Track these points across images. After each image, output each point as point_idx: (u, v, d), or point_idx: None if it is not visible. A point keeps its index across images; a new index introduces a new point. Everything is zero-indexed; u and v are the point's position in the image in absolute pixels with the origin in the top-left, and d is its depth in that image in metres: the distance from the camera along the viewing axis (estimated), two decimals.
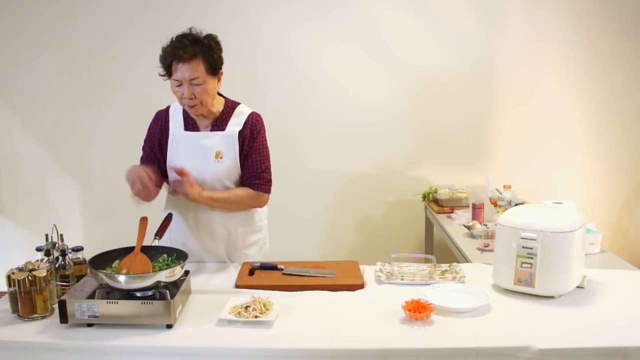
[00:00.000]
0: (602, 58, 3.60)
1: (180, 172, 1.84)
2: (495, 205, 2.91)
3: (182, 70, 1.79)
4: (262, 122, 2.02)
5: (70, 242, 1.74)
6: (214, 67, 1.85)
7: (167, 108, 2.03)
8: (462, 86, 3.62)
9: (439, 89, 3.62)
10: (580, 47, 3.59)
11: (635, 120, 3.68)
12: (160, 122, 2.01)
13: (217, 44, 1.88)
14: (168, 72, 1.84)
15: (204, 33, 1.86)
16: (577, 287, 1.68)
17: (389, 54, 3.58)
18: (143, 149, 2.05)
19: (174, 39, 1.83)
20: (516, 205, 2.30)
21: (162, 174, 1.98)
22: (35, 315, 1.51)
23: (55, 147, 3.70)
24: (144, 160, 2.03)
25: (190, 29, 1.85)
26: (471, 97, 3.64)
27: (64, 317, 1.45)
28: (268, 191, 2.03)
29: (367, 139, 3.67)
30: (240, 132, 1.96)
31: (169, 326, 1.45)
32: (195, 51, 1.79)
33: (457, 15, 3.55)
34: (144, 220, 1.76)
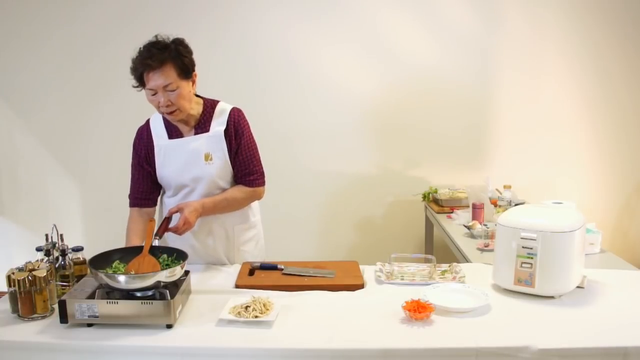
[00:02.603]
0: (602, 57, 3.59)
1: (173, 212, 1.85)
2: (495, 205, 2.91)
3: (155, 79, 1.77)
4: (244, 117, 2.01)
5: (70, 242, 1.74)
6: (186, 71, 1.83)
7: (147, 121, 2.01)
8: (462, 86, 3.62)
9: (439, 88, 3.62)
10: (581, 46, 3.58)
11: (636, 120, 3.68)
12: (143, 137, 1.99)
13: (186, 47, 1.85)
14: (141, 82, 1.82)
15: (171, 38, 1.84)
16: (577, 287, 1.68)
17: (389, 54, 3.58)
18: (132, 167, 2.02)
19: (141, 49, 1.80)
20: (516, 205, 2.30)
21: (156, 187, 2.03)
22: (35, 315, 1.51)
23: (55, 147, 3.70)
24: (136, 181, 2.01)
25: (156, 36, 1.83)
26: (471, 97, 3.64)
27: (64, 317, 1.45)
28: (262, 184, 2.04)
29: (367, 139, 3.67)
30: (226, 131, 1.95)
31: (169, 326, 1.45)
32: (164, 58, 1.77)
33: (457, 16, 3.55)
34: (151, 222, 1.78)
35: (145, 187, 2.01)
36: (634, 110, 3.67)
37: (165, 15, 3.48)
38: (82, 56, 3.57)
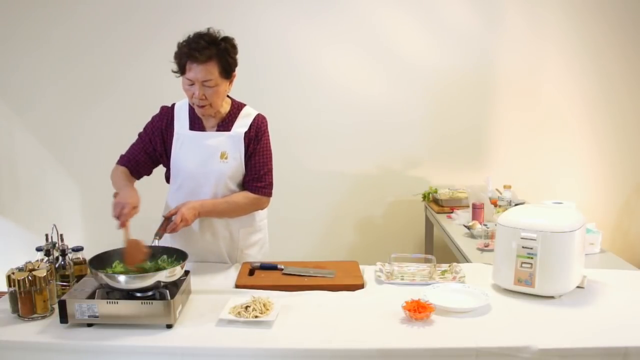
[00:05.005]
0: (602, 58, 3.60)
1: (172, 213, 1.84)
2: (495, 205, 2.91)
3: (196, 71, 1.78)
4: (266, 125, 2.01)
5: (70, 242, 1.74)
6: (228, 70, 1.84)
7: (173, 105, 2.01)
8: (462, 86, 3.62)
9: (440, 89, 3.62)
10: (581, 46, 3.59)
11: (636, 121, 3.68)
12: (166, 118, 1.99)
13: (234, 47, 1.86)
14: (182, 70, 1.82)
15: (222, 34, 1.84)
16: (577, 287, 1.68)
17: (390, 54, 3.58)
18: (140, 136, 2.02)
19: (190, 37, 1.80)
20: (516, 205, 2.30)
21: (152, 165, 2.02)
22: (35, 315, 1.51)
23: (55, 147, 3.70)
24: (135, 148, 2.00)
25: (208, 29, 1.83)
26: (471, 97, 3.64)
27: (64, 317, 1.45)
28: (269, 194, 2.02)
29: (367, 139, 3.67)
30: (246, 134, 1.95)
31: (169, 326, 1.45)
32: (211, 54, 1.77)
33: (458, 15, 3.55)
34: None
35: (139, 160, 2.00)
36: (634, 110, 3.67)
37: (163, 14, 3.48)
38: (81, 54, 3.57)
